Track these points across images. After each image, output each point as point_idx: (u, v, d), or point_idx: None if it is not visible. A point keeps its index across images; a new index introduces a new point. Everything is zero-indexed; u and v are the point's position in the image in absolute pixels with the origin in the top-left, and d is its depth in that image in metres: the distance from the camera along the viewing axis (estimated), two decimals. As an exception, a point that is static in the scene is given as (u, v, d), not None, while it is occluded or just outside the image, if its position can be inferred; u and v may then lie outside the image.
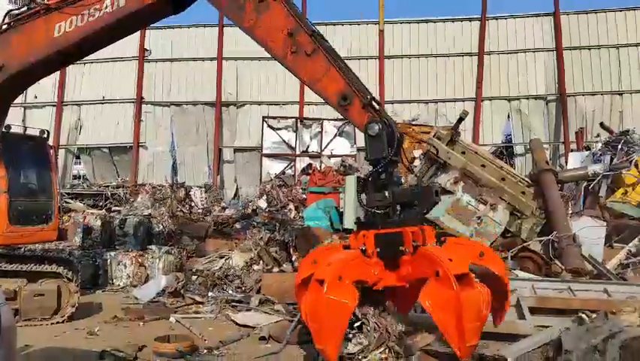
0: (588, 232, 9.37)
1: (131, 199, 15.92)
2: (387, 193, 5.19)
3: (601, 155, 12.24)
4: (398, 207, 5.21)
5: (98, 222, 12.54)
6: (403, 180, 6.74)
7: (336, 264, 4.68)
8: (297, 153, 19.58)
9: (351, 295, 4.56)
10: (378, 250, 4.99)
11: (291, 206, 14.76)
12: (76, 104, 21.58)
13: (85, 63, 20.88)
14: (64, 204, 15.11)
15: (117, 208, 15.29)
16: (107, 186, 18.11)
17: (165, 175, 20.27)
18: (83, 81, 21.59)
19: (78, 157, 21.98)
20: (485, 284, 5.24)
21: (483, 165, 10.14)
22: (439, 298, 4.37)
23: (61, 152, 20.83)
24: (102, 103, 21.51)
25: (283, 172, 19.19)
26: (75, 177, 22.36)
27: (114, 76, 21.53)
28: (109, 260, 10.41)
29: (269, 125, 19.86)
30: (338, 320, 4.48)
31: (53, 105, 21.41)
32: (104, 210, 15.03)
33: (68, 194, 17.31)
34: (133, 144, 20.85)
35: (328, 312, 4.46)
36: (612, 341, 2.86)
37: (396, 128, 5.45)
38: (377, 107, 5.53)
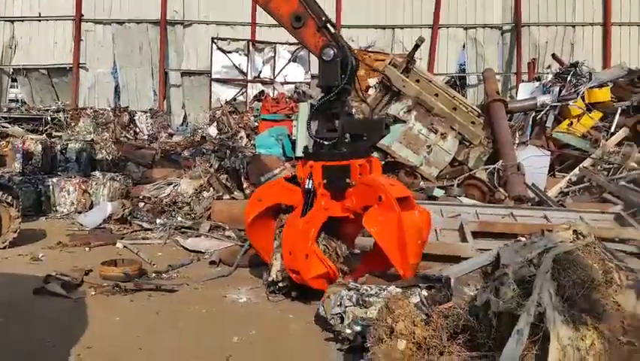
0: (533, 161, 9.72)
1: (72, 124, 15.21)
2: (337, 123, 5.15)
3: (550, 86, 12.47)
4: (348, 138, 5.22)
5: (39, 148, 11.95)
6: (355, 110, 6.69)
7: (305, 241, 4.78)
8: (249, 78, 19.03)
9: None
10: (325, 181, 5.03)
11: (243, 133, 14.53)
12: (9, 21, 19.91)
13: (17, -26, 19.18)
14: (1, 129, 14.31)
15: (58, 133, 14.61)
16: (47, 110, 17.14)
17: (108, 99, 19.41)
18: (15, -5, 19.84)
19: (14, 79, 20.60)
20: None
21: (436, 95, 10.17)
22: (382, 222, 4.57)
23: (-5, 72, 19.49)
24: (38, 20, 19.92)
25: (234, 98, 18.71)
26: (12, 100, 21.01)
27: (50, -10, 19.88)
28: (51, 187, 10.03)
29: (218, 48, 19.04)
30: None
31: (-19, 21, 19.71)
32: (44, 135, 14.32)
33: (5, 118, 16.34)
34: (73, 66, 19.65)
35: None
36: (546, 255, 3.00)
37: (352, 55, 5.30)
38: (332, 30, 5.34)
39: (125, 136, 14.41)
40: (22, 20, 19.91)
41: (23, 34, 19.98)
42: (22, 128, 15.19)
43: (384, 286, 4.39)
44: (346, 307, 4.13)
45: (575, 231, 3.34)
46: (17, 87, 20.80)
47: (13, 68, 20.06)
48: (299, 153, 11.49)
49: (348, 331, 4.01)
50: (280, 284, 5.12)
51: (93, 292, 5.35)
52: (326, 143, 5.14)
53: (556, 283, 2.96)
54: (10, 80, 20.49)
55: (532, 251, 3.11)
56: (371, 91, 12.36)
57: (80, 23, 19.68)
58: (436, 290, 4.31)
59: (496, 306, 3.10)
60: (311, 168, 5.10)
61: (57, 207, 9.92)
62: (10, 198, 7.36)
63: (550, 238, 3.22)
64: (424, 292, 4.21)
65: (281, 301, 5.13)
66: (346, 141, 5.19)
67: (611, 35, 19.33)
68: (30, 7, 19.80)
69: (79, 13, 19.63)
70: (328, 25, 5.30)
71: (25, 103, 19.93)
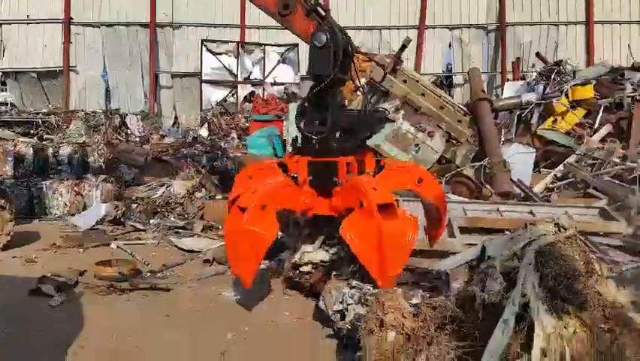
0: (518, 158, 9.88)
1: (64, 127, 15.21)
2: (327, 117, 4.83)
3: (535, 84, 12.67)
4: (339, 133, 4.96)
5: (30, 151, 11.94)
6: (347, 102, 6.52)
7: (261, 192, 4.49)
8: (239, 79, 19.09)
9: (271, 226, 4.48)
10: (310, 178, 4.80)
11: (234, 134, 14.62)
12: (-4, 24, 19.83)
13: (3, -24, 19.09)
14: (-9, 133, 14.28)
15: (49, 136, 14.62)
16: (38, 113, 17.10)
17: (98, 101, 19.40)
18: (2, -3, 19.76)
19: (4, 83, 20.50)
20: (424, 210, 5.44)
21: (423, 94, 10.31)
22: (360, 229, 4.22)
23: (-17, 76, 19.37)
24: (27, 23, 19.83)
25: (225, 100, 18.78)
26: (2, 104, 20.90)
27: (39, -8, 19.83)
28: (44, 189, 10.03)
29: (208, 50, 19.12)
30: (255, 250, 4.47)
31: (-31, 24, 19.59)
32: (35, 138, 14.32)
33: (-5, 122, 16.31)
34: (63, 68, 19.61)
35: (245, 242, 4.41)
36: (529, 248, 3.13)
37: (346, 39, 4.96)
38: (323, 14, 5.01)
39: (117, 138, 14.44)
40: (10, 23, 19.80)
41: (12, 36, 19.88)
42: (13, 131, 15.18)
43: None
44: (348, 305, 4.08)
45: (556, 224, 3.46)
46: (6, 90, 20.69)
47: (2, 72, 19.96)
48: (290, 153, 11.59)
49: (349, 327, 3.97)
50: (302, 268, 4.90)
51: (88, 293, 5.39)
52: (315, 138, 4.83)
53: (540, 275, 3.08)
54: (-1, 83, 20.42)
55: (516, 244, 3.24)
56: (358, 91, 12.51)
57: (69, 26, 19.64)
58: (437, 291, 4.26)
59: (482, 298, 3.22)
60: (297, 164, 4.88)
61: (50, 210, 9.93)
62: (2, 200, 7.37)
63: (533, 232, 3.35)
64: (426, 294, 4.19)
65: (277, 296, 5.21)
66: (337, 135, 4.88)
67: (593, 34, 19.63)
68: (18, 10, 19.70)
69: (68, 16, 19.59)
70: (318, 8, 4.97)
71: (16, 106, 19.84)
